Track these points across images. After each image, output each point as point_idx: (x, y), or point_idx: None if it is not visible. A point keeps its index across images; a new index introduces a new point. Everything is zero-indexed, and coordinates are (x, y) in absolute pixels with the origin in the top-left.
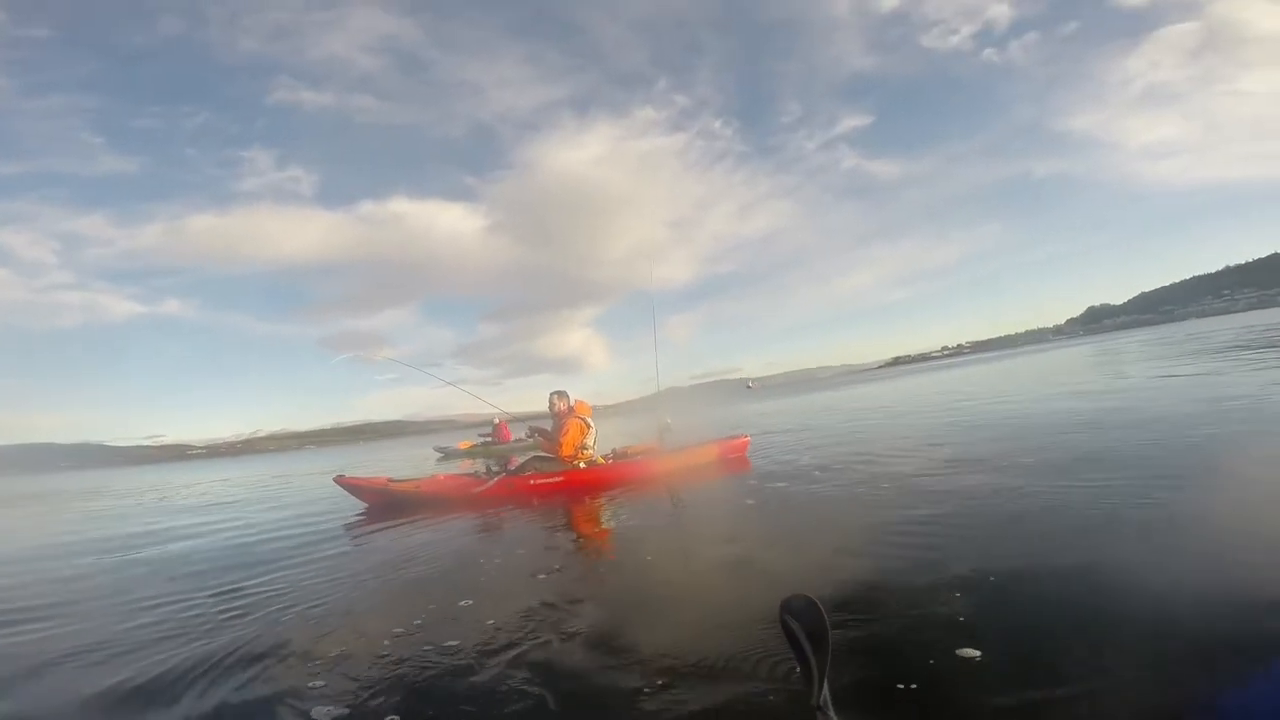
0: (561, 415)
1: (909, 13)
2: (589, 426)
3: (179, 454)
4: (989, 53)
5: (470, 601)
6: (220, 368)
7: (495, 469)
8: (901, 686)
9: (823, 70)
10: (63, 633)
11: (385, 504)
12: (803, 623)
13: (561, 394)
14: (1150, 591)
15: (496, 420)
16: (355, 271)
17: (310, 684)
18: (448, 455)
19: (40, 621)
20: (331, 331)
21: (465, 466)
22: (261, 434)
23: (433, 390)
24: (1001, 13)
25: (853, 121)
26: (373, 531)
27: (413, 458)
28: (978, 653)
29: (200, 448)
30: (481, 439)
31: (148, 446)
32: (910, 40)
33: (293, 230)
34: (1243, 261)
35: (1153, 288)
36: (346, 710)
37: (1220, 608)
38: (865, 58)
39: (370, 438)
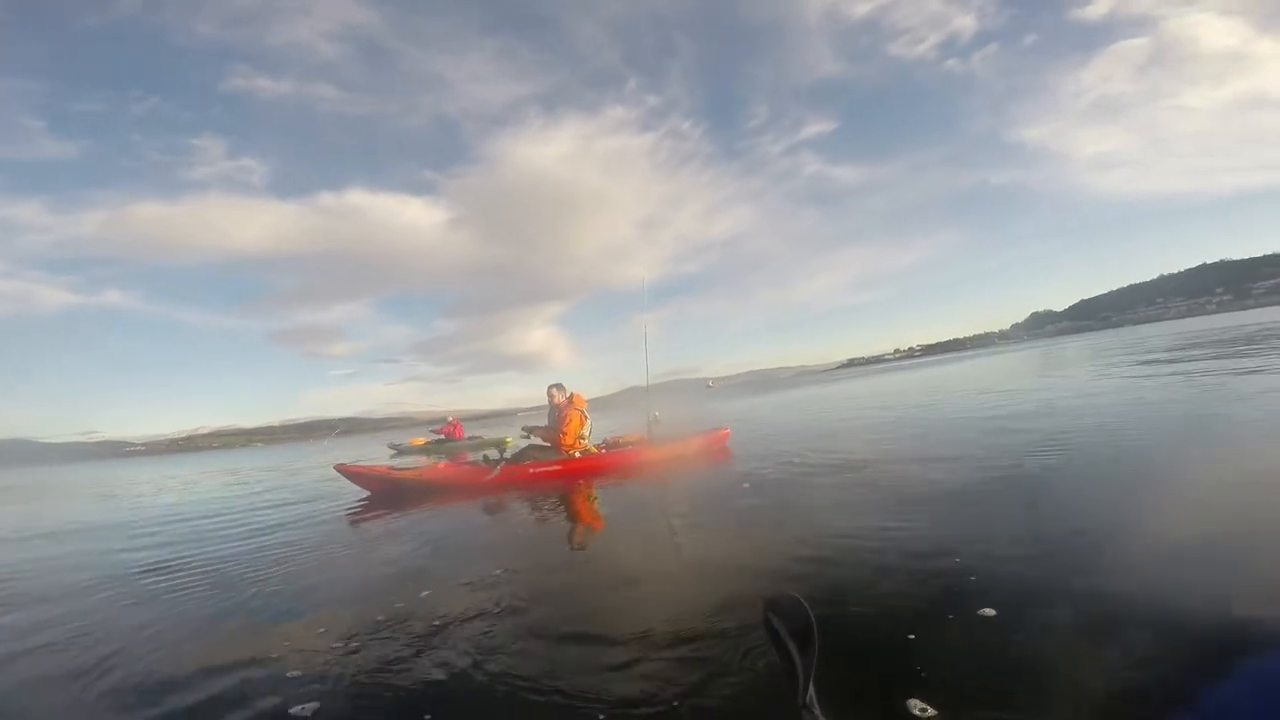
0: (561, 407)
1: (878, 20)
2: (586, 418)
3: (116, 451)
4: (952, 63)
5: (456, 589)
6: (161, 362)
7: (494, 458)
8: (886, 684)
9: (791, 74)
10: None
11: (387, 492)
12: (788, 622)
13: (559, 386)
14: (1132, 585)
15: (450, 418)
16: (309, 264)
17: (290, 673)
18: (401, 452)
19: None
20: (283, 325)
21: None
22: (204, 430)
23: (386, 386)
24: (966, 24)
25: (817, 127)
26: (375, 518)
27: (366, 455)
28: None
29: (139, 444)
30: (433, 435)
31: (82, 443)
32: (878, 48)
33: (244, 221)
34: (1175, 271)
35: (1092, 295)
36: (322, 696)
37: (1201, 603)
38: (833, 63)
39: (321, 435)
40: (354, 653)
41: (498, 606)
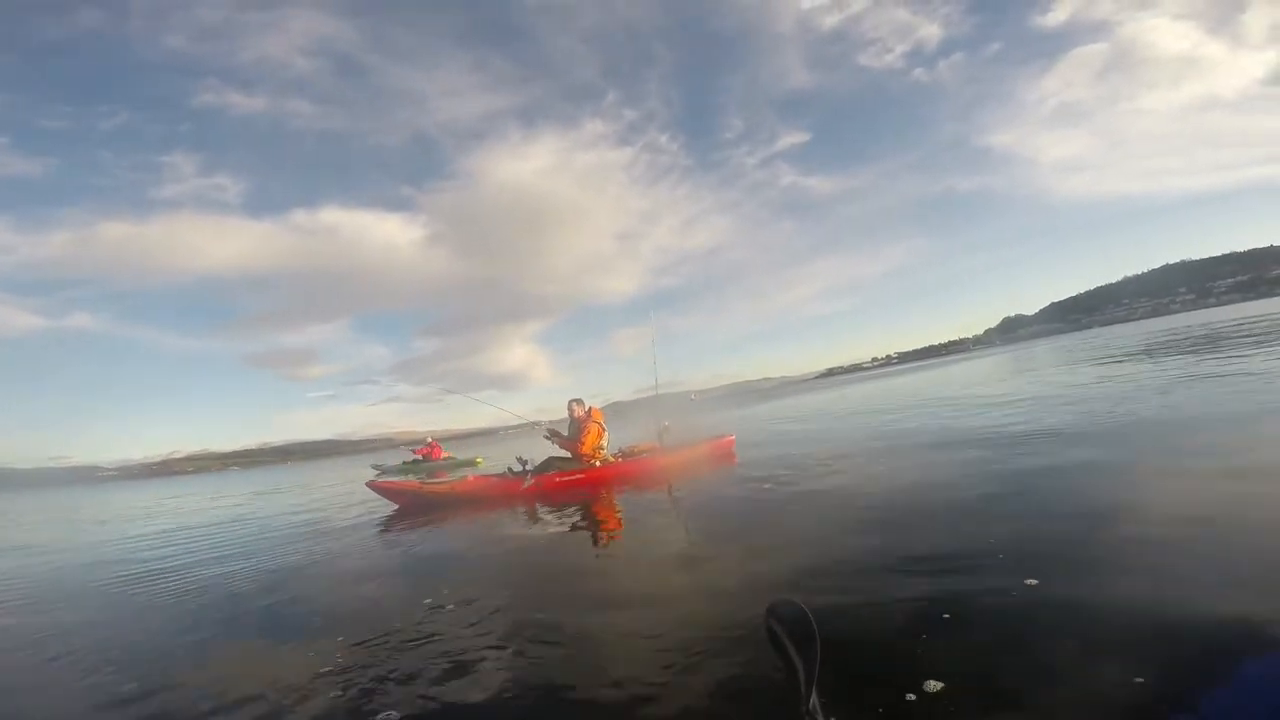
0: (580, 419)
1: (847, 31)
2: (604, 429)
3: (88, 476)
4: (919, 72)
5: (472, 598)
6: (133, 386)
7: (517, 470)
8: (887, 692)
9: (765, 86)
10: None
11: (418, 505)
12: (789, 628)
13: (579, 401)
14: (1131, 588)
15: (429, 439)
16: (284, 284)
17: (290, 686)
18: (384, 472)
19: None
20: (257, 348)
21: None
22: (179, 455)
23: (366, 408)
24: (932, 33)
25: (791, 139)
26: (404, 531)
27: (351, 478)
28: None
29: (111, 469)
30: (414, 457)
31: (53, 469)
32: (848, 58)
33: (216, 240)
34: (1139, 272)
35: (1062, 298)
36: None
37: (1197, 604)
38: (805, 74)
39: (300, 458)
40: (363, 665)
41: (508, 615)
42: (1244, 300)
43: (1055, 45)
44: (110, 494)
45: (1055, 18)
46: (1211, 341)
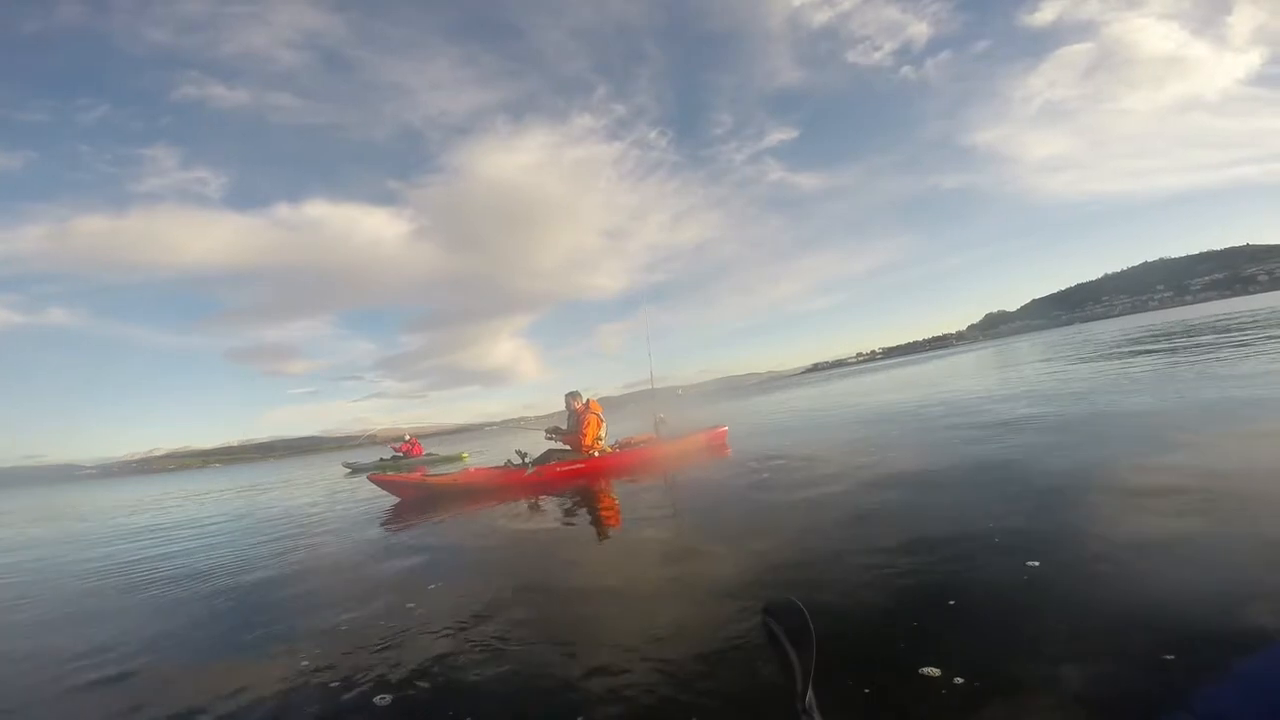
0: (579, 412)
1: (837, 28)
2: (602, 421)
3: (67, 474)
4: (907, 70)
5: (469, 589)
6: (111, 382)
7: (517, 462)
8: (882, 692)
9: (755, 82)
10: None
11: (420, 497)
12: (785, 626)
13: (575, 394)
14: (1126, 583)
15: (408, 436)
16: (267, 279)
17: (284, 684)
18: (357, 470)
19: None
20: (240, 343)
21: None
22: (159, 452)
23: (350, 404)
24: (920, 31)
25: (780, 135)
26: (406, 526)
27: (336, 474)
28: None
29: (90, 467)
30: (393, 454)
31: (30, 467)
32: (836, 55)
33: (197, 234)
34: (1118, 270)
35: (1043, 295)
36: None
37: (1202, 599)
38: (794, 71)
39: (282, 455)
40: (359, 656)
41: (505, 607)
42: (1220, 298)
43: (1042, 44)
44: (90, 492)
45: (1043, 17)
46: (1189, 336)
